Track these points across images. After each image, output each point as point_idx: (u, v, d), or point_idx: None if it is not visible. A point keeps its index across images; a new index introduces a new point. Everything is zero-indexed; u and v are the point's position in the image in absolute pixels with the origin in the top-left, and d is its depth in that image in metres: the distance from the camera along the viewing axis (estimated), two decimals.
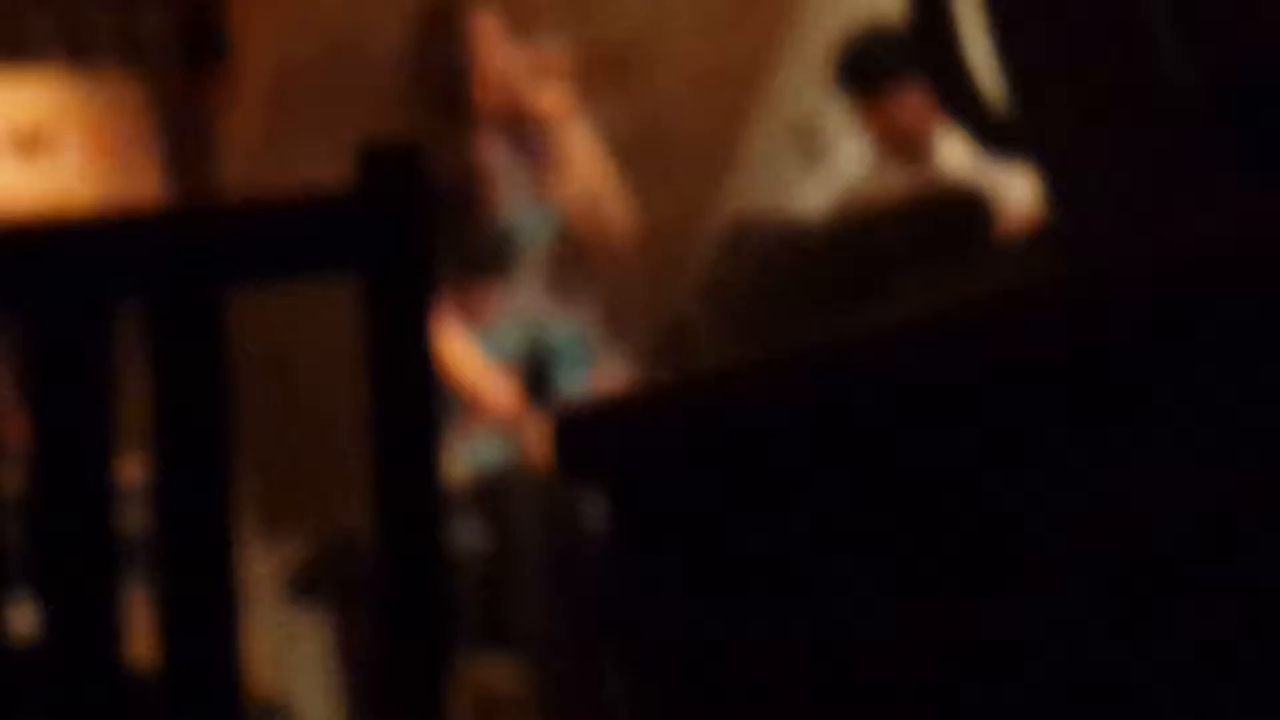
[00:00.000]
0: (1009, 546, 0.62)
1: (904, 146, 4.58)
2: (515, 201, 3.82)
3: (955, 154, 4.35)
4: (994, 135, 0.75)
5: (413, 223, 1.13)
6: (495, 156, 3.90)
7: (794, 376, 0.68)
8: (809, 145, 5.15)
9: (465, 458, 3.81)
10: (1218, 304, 0.52)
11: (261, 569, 5.02)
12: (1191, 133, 0.61)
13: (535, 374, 3.63)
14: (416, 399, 1.13)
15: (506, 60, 3.85)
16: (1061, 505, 0.60)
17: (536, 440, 3.59)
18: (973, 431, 0.62)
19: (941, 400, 0.62)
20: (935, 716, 0.64)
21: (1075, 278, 0.56)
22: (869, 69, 4.51)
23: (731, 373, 0.72)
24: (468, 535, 3.99)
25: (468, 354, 3.79)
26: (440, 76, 3.86)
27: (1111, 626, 0.59)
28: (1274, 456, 0.53)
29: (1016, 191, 4.11)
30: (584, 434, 0.79)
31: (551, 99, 3.83)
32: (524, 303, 3.70)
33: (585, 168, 3.87)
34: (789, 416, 0.68)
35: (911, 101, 4.28)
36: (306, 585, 5.40)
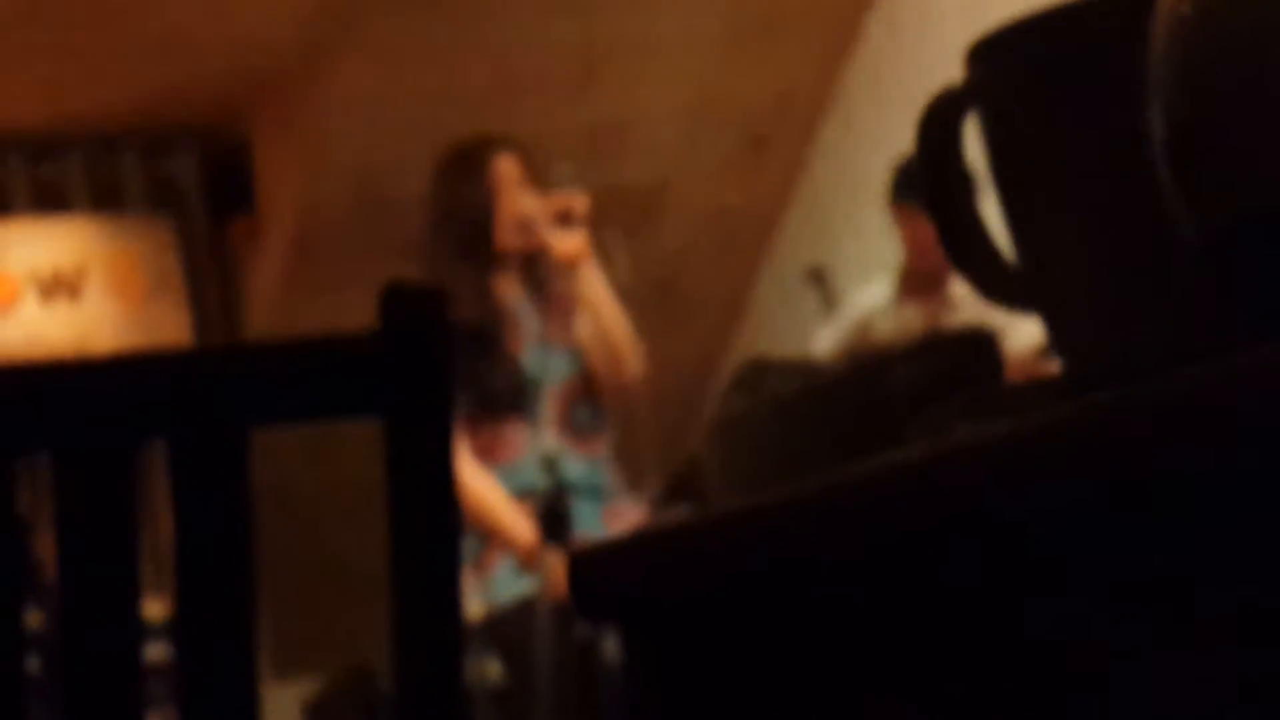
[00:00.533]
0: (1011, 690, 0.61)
1: (922, 279, 4.61)
2: (533, 342, 3.83)
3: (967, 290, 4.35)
4: (1000, 288, 0.75)
5: (434, 365, 1.13)
6: (515, 297, 3.91)
7: (801, 520, 0.68)
8: (822, 290, 5.17)
9: (483, 592, 3.79)
10: (1222, 453, 0.53)
11: (279, 703, 4.98)
12: (1195, 283, 0.62)
13: (552, 511, 3.62)
14: (438, 535, 1.13)
15: (527, 203, 3.87)
16: (1064, 651, 0.60)
17: (554, 575, 3.58)
18: (973, 577, 0.62)
19: (945, 545, 0.62)
20: None
21: (1078, 427, 0.56)
22: (907, 182, 4.55)
23: (739, 516, 0.72)
24: (485, 671, 3.96)
25: (487, 490, 3.78)
26: (463, 218, 3.88)
27: None
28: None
29: (1026, 329, 4.15)
30: (600, 573, 0.79)
31: (569, 242, 3.85)
32: (541, 441, 3.69)
33: (600, 309, 3.88)
34: (796, 559, 0.68)
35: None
36: (323, 718, 5.35)
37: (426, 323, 1.13)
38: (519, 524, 3.73)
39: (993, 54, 0.74)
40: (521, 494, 3.77)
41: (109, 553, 1.07)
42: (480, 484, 3.77)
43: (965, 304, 4.39)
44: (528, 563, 3.72)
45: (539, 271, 3.89)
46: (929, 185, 0.75)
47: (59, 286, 5.61)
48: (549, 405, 3.74)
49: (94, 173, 5.75)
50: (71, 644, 1.06)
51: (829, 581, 0.68)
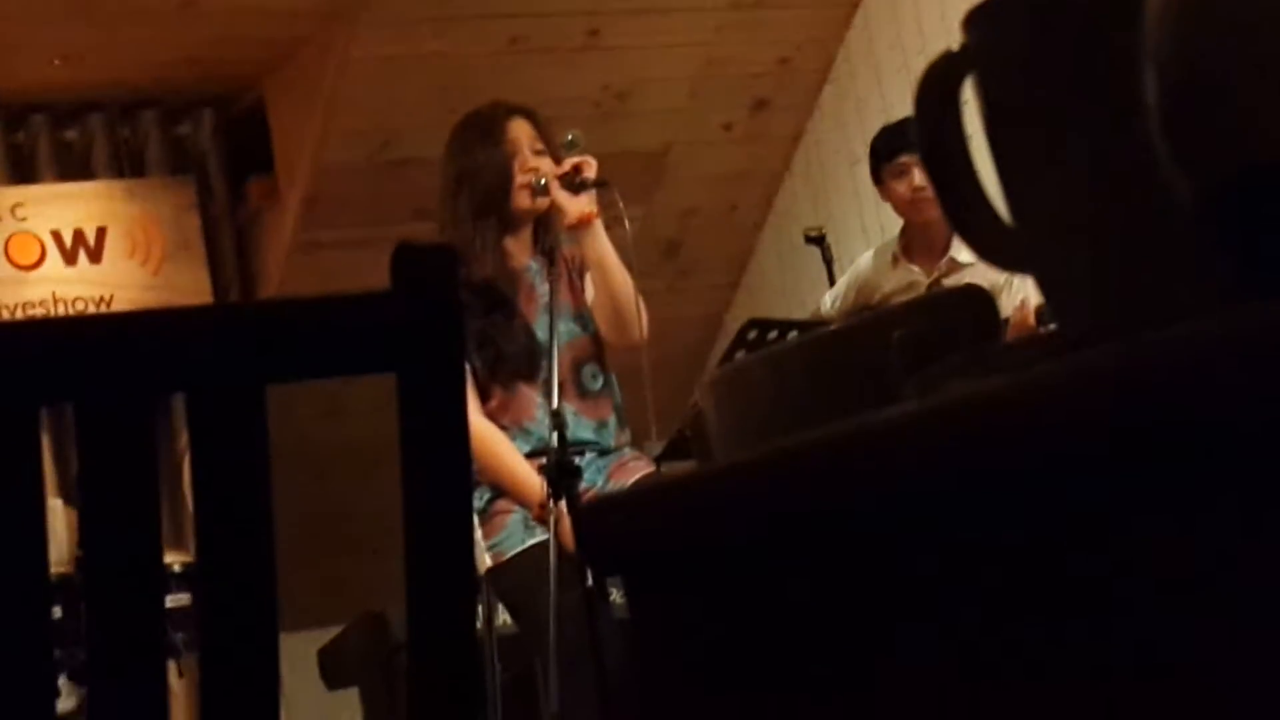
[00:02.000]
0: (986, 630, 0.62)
1: (921, 237, 4.61)
2: (543, 304, 3.83)
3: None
4: (997, 248, 0.75)
5: (446, 322, 1.13)
6: (527, 259, 3.91)
7: (797, 476, 0.68)
8: (822, 251, 5.17)
9: (494, 543, 3.80)
10: (1219, 406, 0.53)
11: (295, 650, 5.00)
12: (1188, 242, 0.62)
13: (561, 467, 3.62)
14: (450, 487, 1.13)
15: (539, 165, 3.87)
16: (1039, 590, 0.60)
17: (562, 528, 3.59)
18: (967, 529, 0.62)
19: (937, 499, 0.62)
20: None
21: (1073, 386, 0.56)
22: (884, 148, 4.57)
23: (738, 471, 0.72)
24: (496, 617, 3.97)
25: (498, 445, 3.79)
26: (479, 181, 3.87)
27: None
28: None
29: (1021, 290, 4.15)
30: (606, 527, 0.80)
31: (579, 204, 3.84)
32: (550, 401, 3.70)
33: (607, 271, 3.88)
34: (793, 512, 0.69)
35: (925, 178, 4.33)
36: (338, 663, 5.38)
37: (437, 281, 1.13)
38: (529, 479, 3.74)
39: (990, 19, 0.73)
40: (531, 452, 3.78)
41: (130, 503, 1.07)
42: (492, 440, 3.78)
43: (971, 266, 4.38)
44: (537, 516, 3.73)
45: (550, 234, 3.89)
46: (926, 147, 0.75)
47: (81, 247, 5.62)
48: (558, 367, 3.74)
49: (114, 137, 5.75)
50: (95, 592, 1.07)
51: (823, 533, 0.68)
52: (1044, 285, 0.74)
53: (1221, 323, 0.52)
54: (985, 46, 0.74)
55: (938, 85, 0.75)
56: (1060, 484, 0.58)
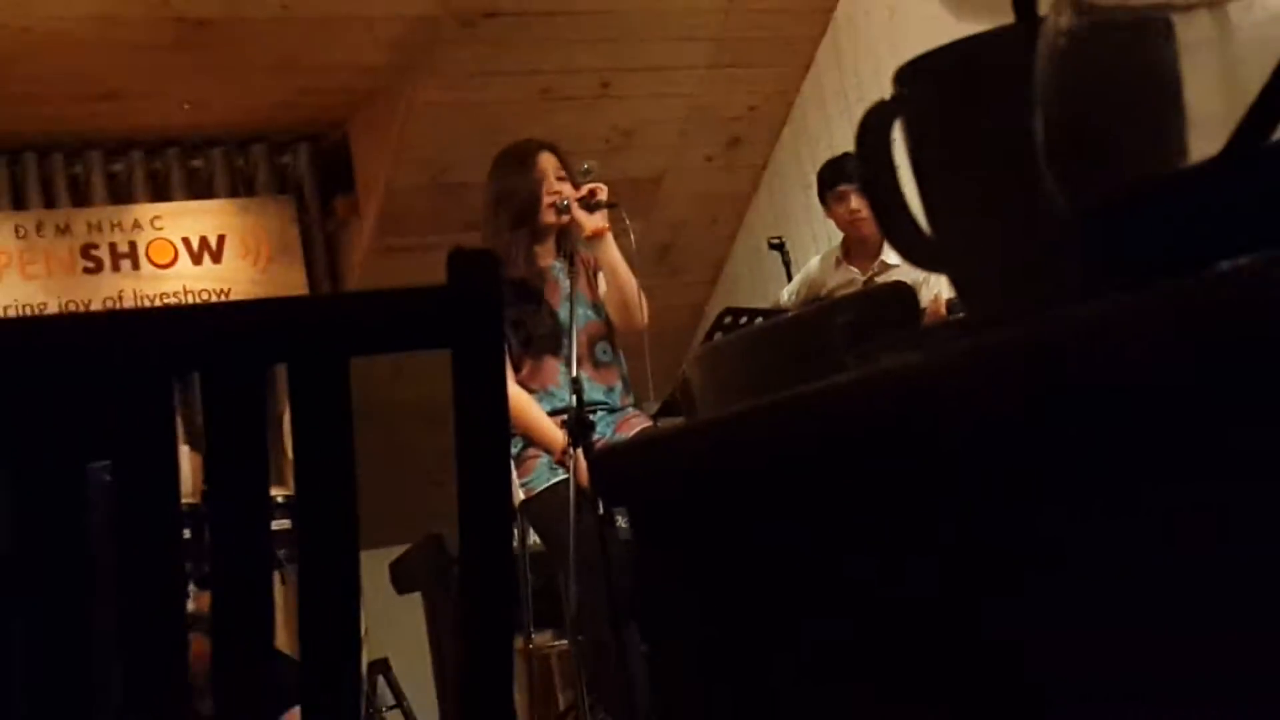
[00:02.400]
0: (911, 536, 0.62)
1: (858, 246, 4.61)
2: (565, 296, 3.83)
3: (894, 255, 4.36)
4: (919, 253, 0.75)
5: (489, 310, 1.13)
6: (551, 261, 3.92)
7: (764, 427, 0.68)
8: (782, 255, 5.16)
9: (525, 482, 3.81)
10: (1085, 372, 0.52)
11: (370, 565, 5.00)
12: (1066, 247, 0.62)
13: (579, 423, 3.62)
14: (492, 438, 1.13)
15: (561, 189, 3.87)
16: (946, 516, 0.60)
17: (579, 469, 3.59)
18: (897, 467, 0.62)
19: (875, 445, 0.62)
20: (857, 660, 0.64)
21: (976, 358, 0.56)
22: (830, 177, 4.57)
23: (717, 424, 0.72)
24: (527, 539, 3.98)
25: (529, 406, 3.80)
26: (514, 201, 3.87)
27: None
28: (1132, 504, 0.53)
29: (935, 286, 4.14)
30: (614, 468, 0.80)
31: (593, 220, 3.84)
32: (570, 371, 3.70)
33: (615, 271, 3.88)
34: (762, 455, 0.69)
35: (862, 203, 4.36)
36: (404, 574, 5.38)
37: (482, 278, 1.13)
38: (553, 431, 3.74)
39: (914, 75, 0.73)
40: (554, 410, 3.78)
41: (245, 449, 1.07)
42: (524, 401, 3.78)
43: (897, 267, 4.38)
44: (559, 460, 3.73)
45: (570, 242, 3.89)
46: (865, 175, 0.75)
47: (206, 251, 5.62)
48: (576, 344, 3.74)
49: (231, 165, 5.75)
50: (216, 518, 1.07)
51: (784, 472, 0.68)
52: (954, 282, 0.74)
53: (1091, 309, 0.52)
54: (910, 96, 0.74)
55: (874, 126, 0.75)
56: (967, 433, 0.58)
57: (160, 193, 5.63)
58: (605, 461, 0.78)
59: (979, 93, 0.70)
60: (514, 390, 3.71)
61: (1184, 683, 0.51)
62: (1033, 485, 0.56)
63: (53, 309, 5.29)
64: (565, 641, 4.47)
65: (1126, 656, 0.53)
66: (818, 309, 0.91)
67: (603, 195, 3.85)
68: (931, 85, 0.73)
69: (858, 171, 0.76)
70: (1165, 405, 0.50)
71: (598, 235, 3.83)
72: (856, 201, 4.50)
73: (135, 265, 5.51)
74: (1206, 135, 0.55)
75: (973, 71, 0.71)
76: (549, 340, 3.83)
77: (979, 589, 0.59)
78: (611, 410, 3.88)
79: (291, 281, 5.66)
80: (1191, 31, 0.57)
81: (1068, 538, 0.55)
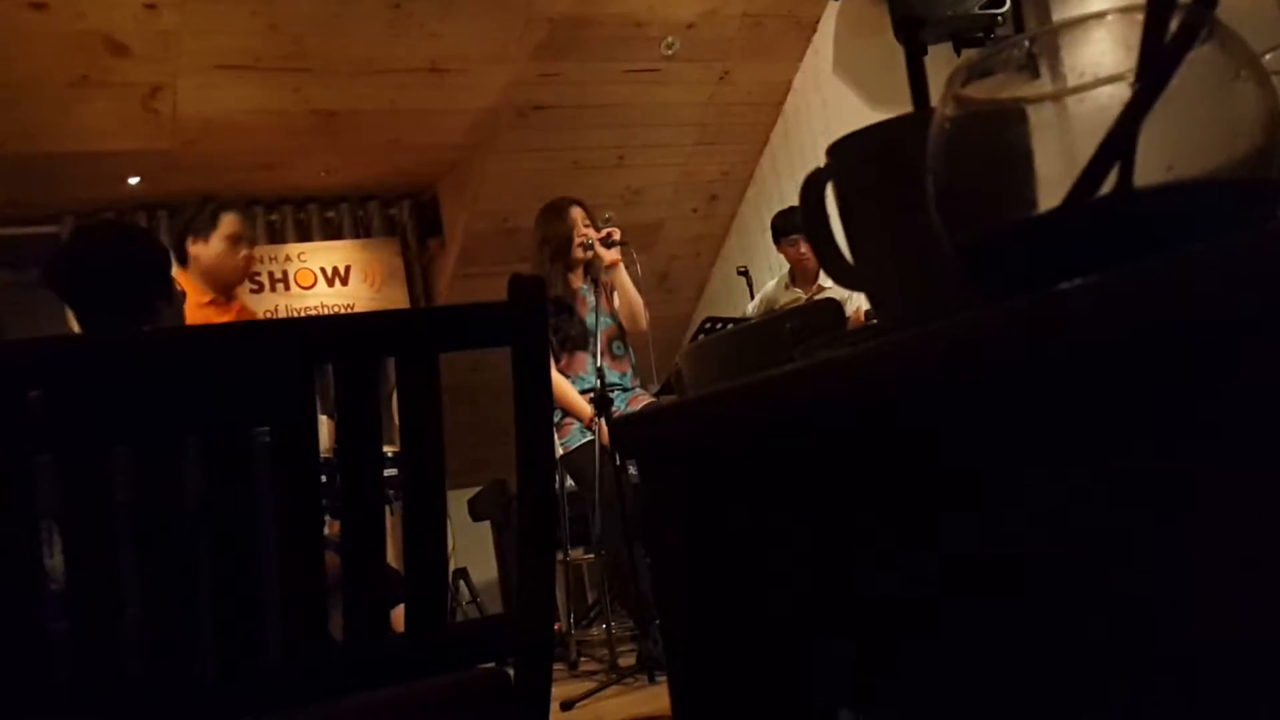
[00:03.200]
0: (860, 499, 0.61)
1: (802, 275, 4.60)
2: (591, 309, 3.83)
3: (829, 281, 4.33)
4: (845, 276, 0.75)
5: (538, 319, 1.13)
6: (581, 285, 3.91)
7: (735, 403, 0.68)
8: (747, 280, 5.15)
9: (562, 442, 3.81)
10: (968, 367, 0.52)
11: (453, 502, 5.01)
12: (951, 274, 0.61)
13: (601, 399, 3.62)
14: (539, 410, 1.13)
15: (588, 233, 3.87)
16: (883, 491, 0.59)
17: (602, 433, 3.59)
18: (835, 434, 0.62)
19: (816, 416, 0.62)
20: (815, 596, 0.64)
21: (884, 351, 0.56)
22: (781, 225, 4.56)
23: (701, 400, 0.72)
24: (565, 483, 3.98)
25: (565, 387, 3.80)
26: (553, 241, 3.88)
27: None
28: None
29: (857, 301, 4.13)
30: (627, 431, 0.79)
31: (611, 254, 3.84)
32: (595, 362, 3.70)
33: (626, 291, 3.88)
34: (737, 424, 0.68)
35: (806, 247, 4.35)
36: (479, 507, 5.38)
37: (532, 296, 1.13)
38: (582, 405, 3.75)
39: (841, 149, 0.73)
40: (584, 390, 3.78)
41: (365, 418, 1.07)
42: (562, 383, 3.79)
43: (830, 289, 4.37)
44: (587, 426, 3.73)
45: (594, 270, 3.89)
46: (807, 223, 0.74)
47: (336, 277, 5.62)
48: (599, 342, 3.75)
49: (355, 215, 5.74)
50: (346, 467, 1.07)
51: (751, 436, 0.68)
52: (870, 298, 0.74)
53: (966, 318, 0.51)
54: (838, 164, 0.73)
55: (813, 187, 0.75)
56: (880, 409, 0.58)
57: (304, 235, 5.63)
58: (621, 427, 0.78)
59: (889, 162, 0.70)
60: (555, 376, 3.72)
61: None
62: (926, 447, 0.56)
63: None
64: (592, 556, 4.47)
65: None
66: (772, 318, 0.90)
67: (617, 236, 3.86)
68: (854, 157, 0.72)
69: (801, 220, 0.75)
70: (1018, 390, 0.50)
71: (613, 265, 3.84)
72: (804, 247, 4.48)
73: (286, 287, 5.51)
74: (1051, 192, 0.54)
75: (884, 147, 0.71)
76: (579, 340, 3.84)
77: (879, 526, 0.58)
78: (625, 390, 3.89)
79: (397, 299, 5.66)
80: (1040, 116, 0.56)
81: (944, 496, 0.55)
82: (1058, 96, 0.55)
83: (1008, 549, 0.51)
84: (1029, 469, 0.50)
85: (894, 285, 0.70)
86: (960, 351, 0.50)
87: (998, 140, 0.57)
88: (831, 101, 5.18)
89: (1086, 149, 0.52)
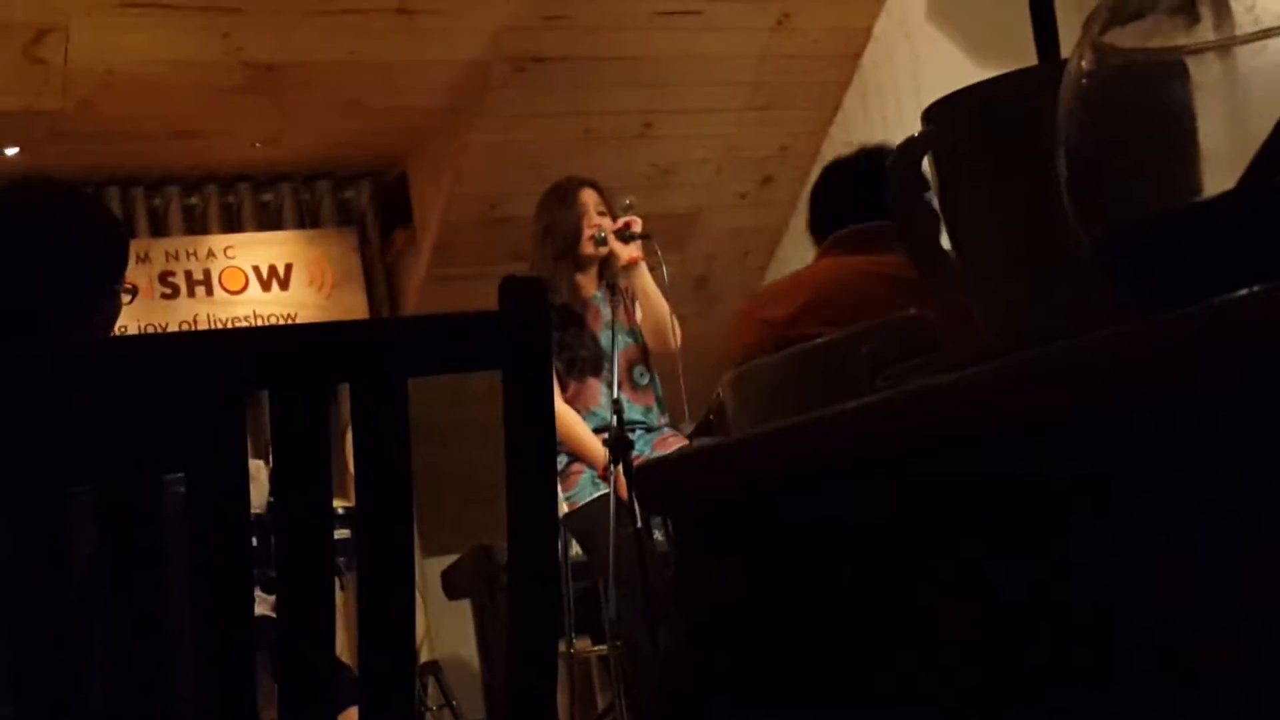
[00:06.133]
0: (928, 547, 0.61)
1: None
2: (606, 323, 3.84)
3: None
4: (947, 278, 0.75)
5: (537, 335, 1.13)
6: (594, 292, 3.93)
7: (787, 445, 0.68)
8: None
9: (568, 495, 3.81)
10: (1121, 395, 0.52)
11: (424, 572, 5.01)
12: (1085, 276, 0.61)
13: (619, 440, 3.62)
14: (540, 454, 1.13)
15: (601, 222, 3.89)
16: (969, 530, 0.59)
17: (620, 484, 3.59)
18: (932, 479, 0.61)
19: (899, 453, 0.62)
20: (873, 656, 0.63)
21: (1006, 375, 0.56)
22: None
23: (750, 442, 0.72)
24: (570, 549, 3.98)
25: (575, 423, 3.80)
26: (559, 234, 3.90)
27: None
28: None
29: None
30: (653, 482, 0.79)
31: (628, 251, 3.86)
32: (612, 393, 3.70)
33: (649, 298, 3.89)
34: (786, 471, 0.68)
35: None
36: (455, 581, 5.39)
37: (531, 304, 1.13)
38: (596, 448, 3.75)
39: (942, 114, 0.73)
40: (596, 428, 3.79)
41: (310, 463, 1.07)
42: (569, 419, 3.79)
43: None
44: (601, 475, 3.73)
45: (611, 272, 3.90)
46: (899, 206, 0.74)
47: (274, 278, 5.66)
48: (617, 367, 3.75)
49: (298, 199, 5.79)
50: (283, 527, 1.07)
51: (813, 486, 0.68)
52: (976, 305, 0.73)
53: (1109, 334, 0.51)
54: (938, 133, 0.73)
55: (906, 162, 0.75)
56: (990, 441, 0.58)
57: (232, 224, 5.68)
58: (646, 476, 0.78)
59: (1004, 132, 0.70)
60: (561, 407, 3.73)
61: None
62: (1059, 489, 0.56)
63: (132, 331, 5.33)
64: (604, 647, 4.46)
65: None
66: (844, 336, 0.90)
67: (637, 227, 3.87)
68: (960, 124, 0.72)
69: (888, 206, 0.75)
70: (1182, 421, 0.50)
71: (631, 264, 3.85)
72: None
73: (209, 291, 5.55)
74: (1218, 171, 0.54)
75: (998, 111, 0.70)
76: (591, 363, 3.85)
77: (995, 583, 0.58)
78: (649, 429, 3.88)
79: (353, 307, 5.68)
80: (1204, 73, 0.56)
81: (1082, 535, 0.54)
82: (1227, 46, 0.55)
83: (1186, 626, 0.50)
84: (1204, 521, 0.50)
85: (1010, 288, 0.70)
86: (1113, 375, 0.50)
87: (1149, 103, 0.57)
88: (924, 54, 5.20)
89: (1266, 116, 0.52)
